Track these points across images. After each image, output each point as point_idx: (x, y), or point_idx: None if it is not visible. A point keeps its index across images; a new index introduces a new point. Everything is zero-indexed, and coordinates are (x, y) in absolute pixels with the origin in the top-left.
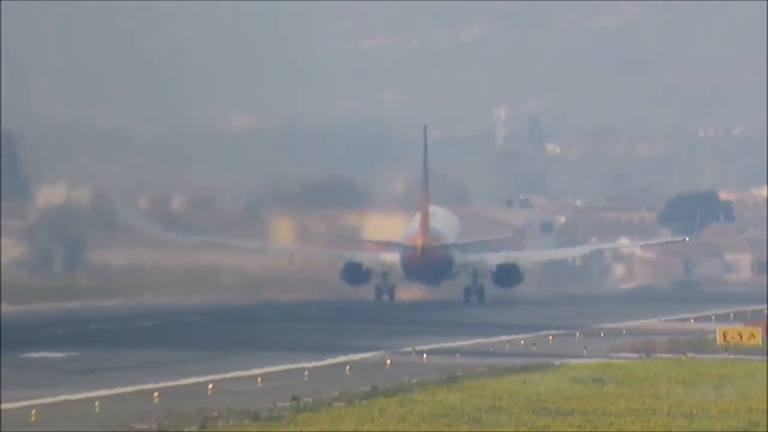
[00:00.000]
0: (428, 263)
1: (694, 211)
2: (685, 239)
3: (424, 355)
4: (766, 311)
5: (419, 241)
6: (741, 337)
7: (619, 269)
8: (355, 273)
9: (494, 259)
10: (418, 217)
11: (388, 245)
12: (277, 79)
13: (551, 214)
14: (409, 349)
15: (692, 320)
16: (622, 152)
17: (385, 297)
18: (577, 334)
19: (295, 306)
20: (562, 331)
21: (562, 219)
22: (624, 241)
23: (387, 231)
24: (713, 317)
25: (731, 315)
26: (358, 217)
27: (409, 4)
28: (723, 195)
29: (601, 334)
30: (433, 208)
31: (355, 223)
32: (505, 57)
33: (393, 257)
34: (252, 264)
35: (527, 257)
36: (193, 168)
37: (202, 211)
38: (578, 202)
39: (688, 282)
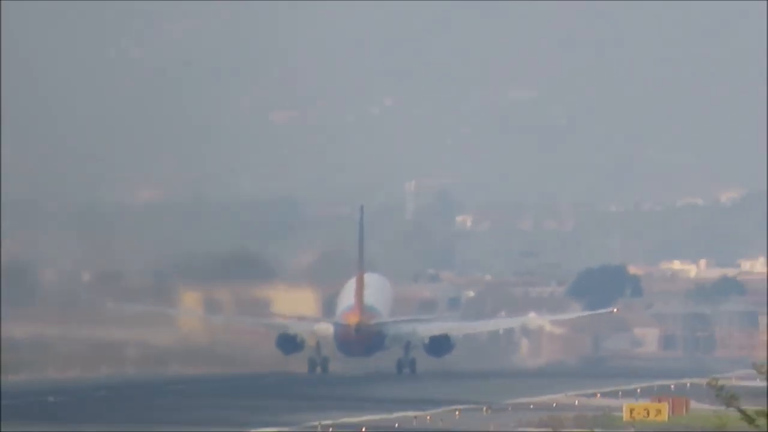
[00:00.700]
0: (362, 340)
1: (603, 285)
2: (612, 310)
3: (330, 430)
4: (672, 387)
5: (354, 320)
6: (648, 413)
7: (527, 344)
8: (289, 343)
9: (426, 330)
10: (350, 290)
11: (300, 319)
12: (185, 152)
13: (459, 289)
14: (316, 423)
15: (598, 396)
16: (531, 226)
17: (318, 369)
18: (485, 409)
19: (219, 380)
20: (470, 406)
21: (471, 293)
22: (550, 317)
23: (296, 304)
24: (620, 392)
25: (638, 390)
26: (267, 291)
27: (318, 75)
28: (631, 269)
29: (509, 409)
30: (368, 277)
31: (263, 297)
32: (416, 129)
33: (327, 328)
34: (163, 337)
35: (459, 329)
36: (101, 242)
37: (110, 285)
38: (487, 277)
39: (597, 356)
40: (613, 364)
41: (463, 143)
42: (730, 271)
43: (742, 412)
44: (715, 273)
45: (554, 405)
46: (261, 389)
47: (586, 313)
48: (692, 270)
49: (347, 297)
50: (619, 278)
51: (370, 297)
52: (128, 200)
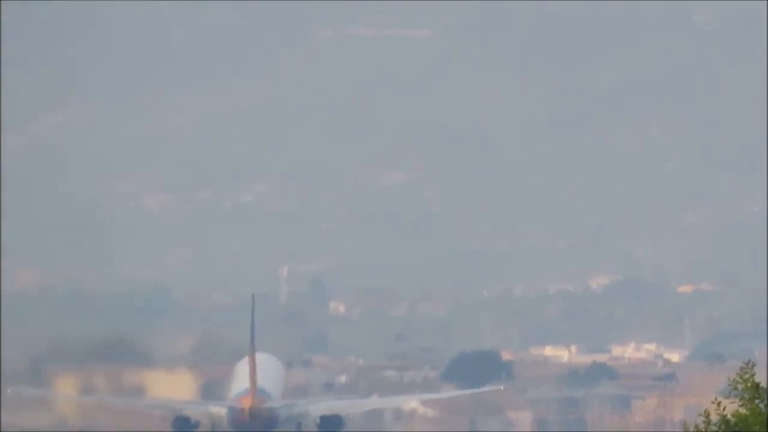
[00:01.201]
0: (255, 423)
1: (476, 370)
2: (501, 388)
3: None
4: None
5: (247, 404)
6: None
7: (402, 426)
8: (184, 424)
9: (316, 410)
10: (241, 372)
11: (176, 403)
12: (62, 237)
13: (332, 374)
14: None
15: None
16: (404, 312)
17: None
18: None
19: None
20: None
21: (343, 378)
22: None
23: (172, 388)
24: None
25: None
26: (143, 375)
27: (192, 161)
28: (504, 354)
29: None
30: (259, 357)
31: (140, 381)
32: (289, 215)
33: (220, 410)
34: (36, 419)
35: (349, 407)
36: None
37: None
38: (360, 361)
39: None
40: None
41: (337, 228)
42: (601, 357)
43: None
44: (587, 358)
45: None
46: None
47: (469, 391)
48: (564, 355)
49: (239, 379)
50: (493, 363)
51: (263, 379)
52: (4, 285)
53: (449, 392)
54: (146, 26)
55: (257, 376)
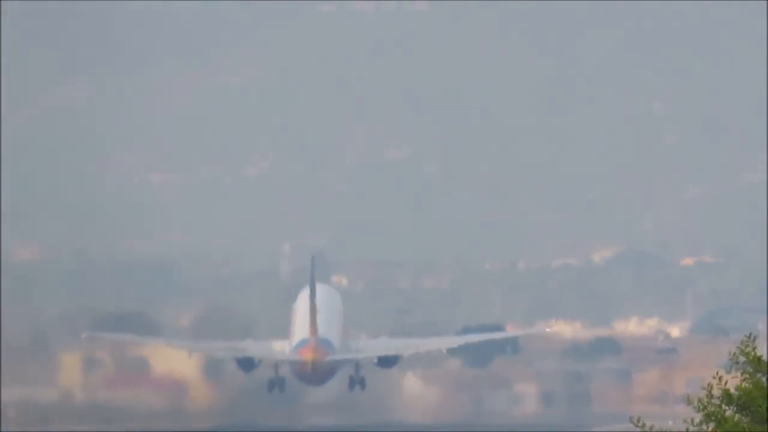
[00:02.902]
0: (316, 374)
1: (481, 343)
2: (545, 329)
3: None
4: None
5: (309, 357)
6: None
7: (403, 400)
8: (248, 365)
9: (374, 350)
10: (302, 316)
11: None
12: (63, 212)
13: None
14: None
15: None
16: (408, 285)
17: (276, 390)
18: None
19: None
20: None
21: None
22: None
23: (176, 362)
24: None
25: None
26: (147, 349)
27: (195, 136)
28: (510, 328)
29: None
30: (320, 291)
31: (144, 354)
32: (291, 190)
33: (282, 347)
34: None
35: (404, 348)
36: None
37: None
38: (362, 335)
39: (478, 413)
40: (494, 421)
41: (339, 203)
42: (604, 331)
43: None
44: (590, 333)
45: None
46: None
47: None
48: (568, 330)
49: (299, 324)
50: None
51: (323, 324)
52: (5, 258)
53: (501, 333)
54: (148, 2)
55: (317, 318)
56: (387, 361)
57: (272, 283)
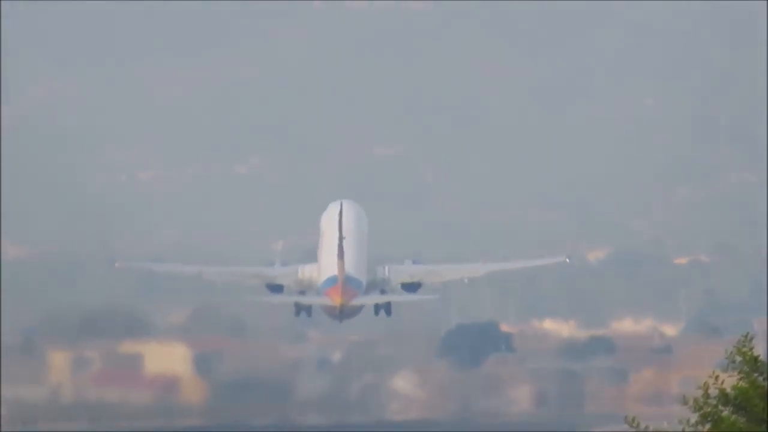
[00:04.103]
0: (343, 312)
1: (475, 342)
2: (566, 259)
3: None
4: None
5: (337, 300)
6: None
7: (394, 399)
8: (275, 289)
9: (397, 277)
10: (331, 250)
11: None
12: (51, 210)
13: (325, 350)
14: None
15: None
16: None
17: (303, 314)
18: None
19: None
20: None
21: (337, 355)
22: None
23: (168, 360)
24: None
25: None
26: (138, 347)
27: (185, 133)
28: (503, 326)
29: None
30: (345, 207)
31: (135, 352)
32: (282, 188)
33: (311, 272)
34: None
35: (426, 275)
36: None
37: None
38: (353, 337)
39: (468, 412)
40: (485, 421)
41: (331, 200)
42: (598, 331)
43: None
44: (584, 332)
45: None
46: None
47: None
48: (563, 329)
49: (328, 253)
50: (491, 335)
51: (350, 255)
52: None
53: (515, 263)
54: (138, 1)
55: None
56: (411, 287)
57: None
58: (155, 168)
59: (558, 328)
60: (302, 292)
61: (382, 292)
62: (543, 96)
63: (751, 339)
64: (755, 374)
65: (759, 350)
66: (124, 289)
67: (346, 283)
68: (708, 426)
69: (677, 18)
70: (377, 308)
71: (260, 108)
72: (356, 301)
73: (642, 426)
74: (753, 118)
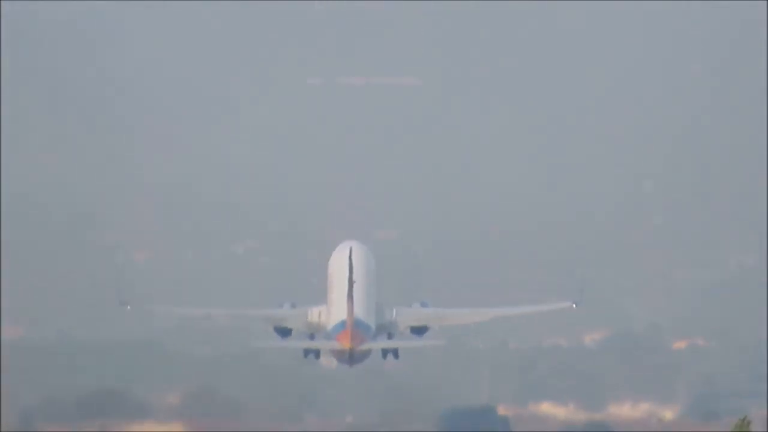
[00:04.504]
0: (353, 357)
1: (471, 425)
2: (573, 305)
3: None
4: None
5: (346, 344)
6: None
7: None
8: (283, 333)
9: (405, 320)
10: (341, 294)
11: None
12: (46, 292)
13: None
14: None
15: None
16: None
17: (312, 357)
18: None
19: None
20: None
21: None
22: None
23: None
24: None
25: None
26: (136, 428)
27: (180, 215)
28: (501, 409)
29: None
30: (354, 250)
31: None
32: (279, 269)
33: (319, 314)
34: None
35: (434, 319)
36: None
37: None
38: (348, 419)
39: None
40: None
41: (324, 283)
42: (597, 415)
43: None
44: (582, 415)
45: None
46: None
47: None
48: (561, 412)
49: (337, 296)
50: (488, 418)
51: (359, 298)
52: None
53: (522, 308)
54: (133, 69)
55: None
56: (419, 330)
57: (259, 362)
58: (150, 246)
59: (555, 411)
60: (311, 335)
61: (390, 335)
62: (542, 174)
63: (749, 423)
64: None
65: None
66: (126, 370)
67: (355, 327)
68: None
69: (677, 19)
70: (385, 352)
71: (255, 187)
72: (365, 346)
73: None
74: (754, 201)
